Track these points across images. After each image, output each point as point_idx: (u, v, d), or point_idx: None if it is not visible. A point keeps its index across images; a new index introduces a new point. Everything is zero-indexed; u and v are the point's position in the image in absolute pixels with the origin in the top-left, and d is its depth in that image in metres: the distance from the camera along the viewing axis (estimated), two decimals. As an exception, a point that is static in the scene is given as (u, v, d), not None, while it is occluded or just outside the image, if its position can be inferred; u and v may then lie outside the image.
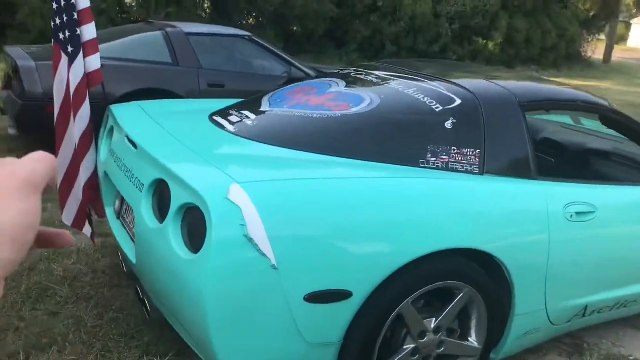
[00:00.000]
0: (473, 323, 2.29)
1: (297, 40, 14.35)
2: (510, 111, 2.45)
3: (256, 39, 5.52)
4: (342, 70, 3.25)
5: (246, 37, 5.48)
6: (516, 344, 2.45)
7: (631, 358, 2.83)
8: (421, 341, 2.15)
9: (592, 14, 18.79)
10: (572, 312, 2.54)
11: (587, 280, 2.50)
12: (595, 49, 20.91)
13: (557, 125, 3.66)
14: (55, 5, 2.68)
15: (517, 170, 2.37)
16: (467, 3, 15.34)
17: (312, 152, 2.22)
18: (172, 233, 1.90)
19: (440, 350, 2.22)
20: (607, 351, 2.86)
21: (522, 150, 2.40)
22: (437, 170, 2.23)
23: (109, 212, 2.65)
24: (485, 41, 16.12)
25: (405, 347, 2.14)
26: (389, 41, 14.93)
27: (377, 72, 2.88)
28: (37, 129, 4.49)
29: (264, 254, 1.76)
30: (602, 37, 24.35)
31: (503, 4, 16.25)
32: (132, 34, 5.37)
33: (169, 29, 5.19)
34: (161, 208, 2.04)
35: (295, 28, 14.51)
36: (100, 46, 5.15)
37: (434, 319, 2.17)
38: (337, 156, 2.20)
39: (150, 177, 2.10)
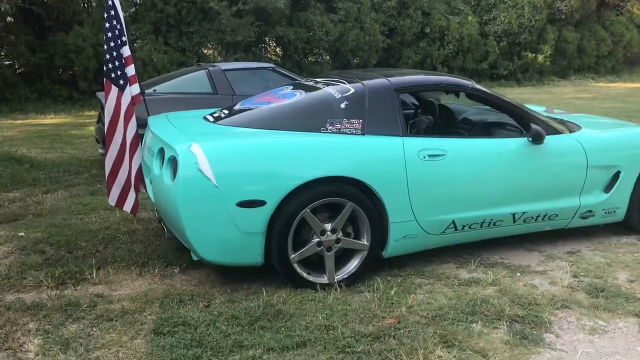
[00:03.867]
0: (361, 228, 3.59)
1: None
2: (387, 94, 3.77)
3: (278, 69, 7.08)
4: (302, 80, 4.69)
5: (269, 68, 7.06)
6: (399, 245, 3.69)
7: (506, 262, 3.98)
8: (322, 237, 3.48)
9: (648, 17, 19.05)
10: (442, 225, 3.76)
11: (445, 201, 3.72)
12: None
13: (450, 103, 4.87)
14: (107, 55, 4.30)
15: (389, 131, 3.67)
16: (513, 21, 16.29)
17: (254, 128, 3.65)
18: (164, 173, 3.41)
19: (339, 245, 3.53)
20: (492, 261, 4.01)
21: (393, 118, 3.71)
22: (331, 133, 3.60)
23: (147, 182, 4.19)
24: (534, 55, 16.92)
25: (313, 240, 3.48)
26: (439, 63, 16.16)
27: (319, 79, 4.28)
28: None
29: (209, 179, 3.21)
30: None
31: (549, 19, 17.02)
32: (185, 74, 7.11)
33: (210, 68, 6.85)
34: (162, 163, 3.55)
35: (352, 60, 16.10)
36: (161, 84, 6.90)
37: (330, 224, 3.49)
38: (269, 129, 3.62)
39: (157, 147, 3.64)
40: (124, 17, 14.26)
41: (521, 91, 16.12)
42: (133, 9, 16.13)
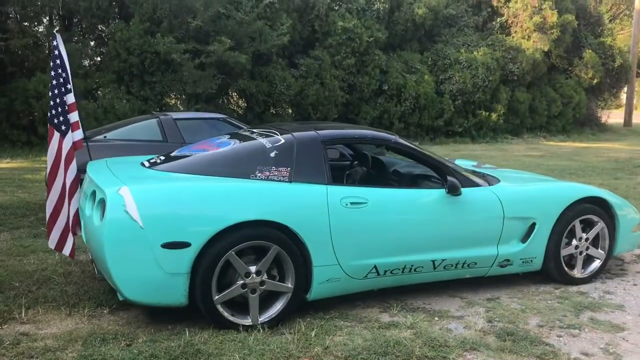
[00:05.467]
0: (286, 271, 3.74)
1: (314, 124, 16.33)
2: (314, 145, 4.00)
3: (230, 120, 7.31)
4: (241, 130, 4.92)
5: (221, 119, 7.29)
6: (323, 288, 3.84)
7: (427, 307, 4.16)
8: (247, 279, 3.62)
9: (595, 81, 20.14)
10: (364, 269, 3.94)
11: (367, 246, 3.91)
12: (610, 114, 22.08)
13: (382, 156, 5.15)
14: (51, 102, 4.46)
15: (314, 179, 3.88)
16: (468, 81, 17.03)
17: (188, 174, 3.83)
18: (94, 214, 3.54)
19: (264, 287, 3.67)
20: (414, 306, 4.18)
21: (319, 168, 3.93)
22: (260, 180, 3.79)
23: (83, 224, 4.29)
24: (488, 113, 17.63)
25: (237, 282, 3.62)
26: (397, 119, 16.69)
27: (256, 129, 4.50)
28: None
29: (135, 220, 3.35)
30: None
31: (502, 79, 17.84)
32: (137, 121, 7.28)
33: (161, 116, 7.05)
34: (94, 205, 3.68)
35: (312, 113, 16.53)
36: (114, 131, 7.03)
37: (255, 266, 3.64)
38: (202, 175, 3.80)
39: (90, 189, 3.78)
40: (89, 65, 14.29)
41: (475, 148, 16.70)
42: (98, 58, 16.38)
